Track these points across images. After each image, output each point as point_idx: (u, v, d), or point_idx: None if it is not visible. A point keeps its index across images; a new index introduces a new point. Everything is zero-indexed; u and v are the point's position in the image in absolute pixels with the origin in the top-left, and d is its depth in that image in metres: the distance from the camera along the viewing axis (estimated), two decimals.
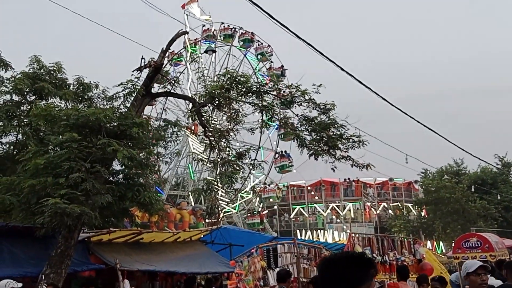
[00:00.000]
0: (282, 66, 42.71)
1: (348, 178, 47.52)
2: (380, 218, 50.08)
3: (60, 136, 9.70)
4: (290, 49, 36.37)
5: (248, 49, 44.97)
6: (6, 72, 13.96)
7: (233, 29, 45.27)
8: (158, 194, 14.84)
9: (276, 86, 11.85)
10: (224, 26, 45.69)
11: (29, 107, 13.60)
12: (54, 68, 14.39)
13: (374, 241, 13.93)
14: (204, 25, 45.73)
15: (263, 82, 13.58)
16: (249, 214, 41.06)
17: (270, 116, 12.01)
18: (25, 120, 13.32)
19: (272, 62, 43.46)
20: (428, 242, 34.67)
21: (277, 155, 40.06)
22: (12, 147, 13.73)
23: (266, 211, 44.39)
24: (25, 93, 13.71)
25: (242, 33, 45.02)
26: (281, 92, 11.46)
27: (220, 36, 45.85)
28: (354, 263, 2.38)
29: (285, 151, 40.54)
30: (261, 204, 41.99)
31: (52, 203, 8.17)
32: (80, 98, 14.19)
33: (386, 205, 50.13)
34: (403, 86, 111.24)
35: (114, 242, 12.00)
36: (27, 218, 9.17)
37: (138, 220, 14.37)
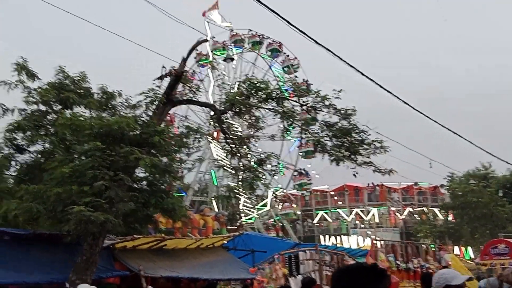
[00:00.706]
0: (307, 80, 42.36)
1: (372, 183, 47.03)
2: (406, 223, 49.34)
3: (85, 145, 9.92)
4: (302, 50, 36.15)
5: (275, 59, 44.92)
6: (33, 82, 14.33)
7: (261, 36, 45.25)
8: (181, 195, 14.91)
9: (297, 93, 11.88)
10: (252, 33, 45.73)
11: (55, 116, 13.93)
12: (79, 77, 14.72)
13: (398, 248, 13.76)
14: (232, 30, 45.95)
15: (283, 88, 13.57)
16: (282, 204, 41.11)
17: (290, 122, 12.05)
18: (51, 130, 13.63)
19: (297, 77, 42.92)
20: (456, 248, 33.98)
21: (296, 173, 40.09)
22: (39, 155, 14.06)
23: (286, 219, 44.18)
24: (51, 103, 14.04)
25: (270, 42, 45.01)
26: (302, 101, 11.48)
27: (248, 43, 45.92)
28: (367, 273, 2.41)
29: (304, 169, 40.49)
30: (278, 218, 41.85)
31: (77, 211, 8.36)
32: (104, 107, 14.47)
33: (411, 210, 49.36)
34: (420, 89, 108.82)
35: (138, 249, 12.17)
36: (54, 225, 9.39)
37: (162, 226, 14.53)
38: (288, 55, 44.68)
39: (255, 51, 45.98)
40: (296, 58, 44.24)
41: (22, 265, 9.48)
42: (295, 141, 40.49)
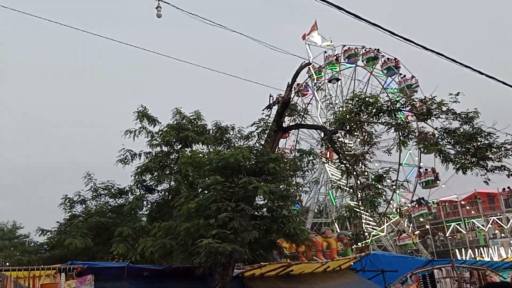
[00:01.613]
0: (427, 101, 39.67)
1: (508, 187, 42.71)
2: None
3: (206, 179, 10.45)
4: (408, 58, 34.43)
5: (392, 78, 42.74)
6: (154, 126, 15.62)
7: (376, 50, 43.55)
8: (295, 208, 14.78)
9: (409, 102, 11.36)
10: (366, 49, 44.42)
11: (176, 155, 14.97)
12: (194, 116, 15.74)
13: None
14: (344, 45, 45.38)
15: (395, 99, 13.04)
16: (398, 235, 39.03)
17: (406, 134, 11.51)
18: (175, 168, 14.63)
19: (415, 100, 40.29)
20: None
21: (414, 202, 37.93)
22: (167, 193, 15.13)
23: (418, 232, 41.70)
24: (172, 143, 15.15)
25: (385, 60, 43.12)
26: (416, 106, 10.94)
27: (362, 60, 44.62)
28: None
29: (423, 198, 38.13)
30: (410, 224, 39.65)
31: (206, 243, 8.76)
32: (219, 141, 15.26)
33: None
34: None
35: (266, 276, 12.31)
36: (186, 259, 9.92)
37: (286, 251, 14.60)
38: (404, 75, 42.01)
39: (369, 68, 44.08)
40: (413, 77, 41.41)
41: None
42: (413, 167, 38.45)
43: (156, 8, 9.67)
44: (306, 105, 44.41)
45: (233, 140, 15.20)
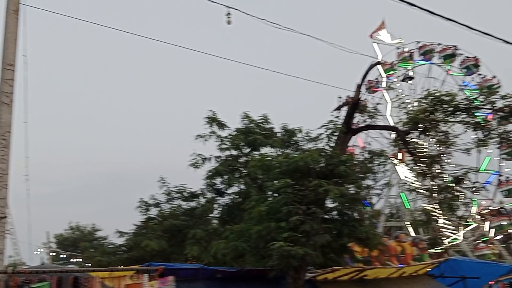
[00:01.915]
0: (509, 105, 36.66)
1: None
2: None
3: (276, 182, 10.46)
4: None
5: (471, 77, 40.18)
6: (223, 131, 15.93)
7: (454, 47, 41.14)
8: (367, 207, 14.41)
9: (488, 99, 10.71)
10: (442, 47, 42.18)
11: (245, 159, 15.16)
12: (262, 120, 15.88)
13: None
14: (418, 42, 43.56)
15: (473, 97, 12.32)
16: (475, 244, 36.71)
17: (486, 133, 10.84)
18: (244, 171, 14.81)
19: (495, 102, 37.28)
20: None
21: (495, 209, 35.41)
22: (237, 196, 15.35)
23: (498, 237, 39.04)
24: (241, 146, 15.36)
25: (463, 59, 40.69)
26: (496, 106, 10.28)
27: (439, 58, 42.46)
28: None
29: (504, 207, 35.49)
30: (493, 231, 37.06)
31: (278, 247, 8.76)
32: (287, 144, 15.26)
33: None
34: None
35: (339, 280, 12.08)
36: (258, 261, 9.97)
37: (358, 255, 14.28)
38: (485, 76, 39.44)
39: (445, 66, 41.64)
40: (494, 77, 38.78)
41: None
42: (493, 173, 36.02)
43: (226, 15, 9.87)
44: (377, 104, 42.99)
45: (301, 142, 15.14)
